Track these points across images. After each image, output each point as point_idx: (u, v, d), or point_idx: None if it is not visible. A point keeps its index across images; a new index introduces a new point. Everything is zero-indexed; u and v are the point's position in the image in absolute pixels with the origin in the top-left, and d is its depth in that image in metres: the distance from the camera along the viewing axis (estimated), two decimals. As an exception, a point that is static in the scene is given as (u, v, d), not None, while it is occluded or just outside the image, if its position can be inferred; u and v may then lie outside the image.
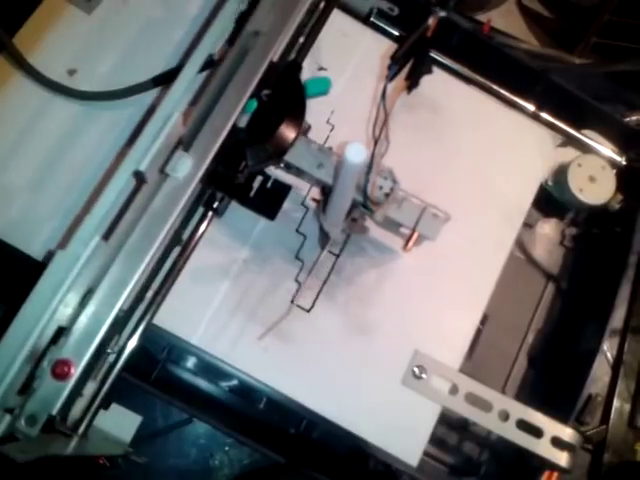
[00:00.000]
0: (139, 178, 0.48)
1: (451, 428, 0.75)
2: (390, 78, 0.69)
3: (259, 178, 0.68)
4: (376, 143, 0.62)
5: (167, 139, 0.49)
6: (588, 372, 0.72)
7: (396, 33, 0.81)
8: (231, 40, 0.66)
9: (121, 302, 0.45)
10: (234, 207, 0.69)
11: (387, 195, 0.61)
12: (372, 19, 0.81)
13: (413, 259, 0.71)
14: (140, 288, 0.60)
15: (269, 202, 0.69)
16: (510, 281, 0.75)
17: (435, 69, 0.78)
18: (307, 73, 0.73)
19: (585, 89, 0.84)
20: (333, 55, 0.77)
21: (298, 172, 0.64)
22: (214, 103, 0.52)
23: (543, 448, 0.66)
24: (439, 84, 0.78)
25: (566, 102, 0.82)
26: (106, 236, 0.47)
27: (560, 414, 0.68)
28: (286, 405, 0.67)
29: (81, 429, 0.53)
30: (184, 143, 0.52)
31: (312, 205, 0.72)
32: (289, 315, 0.67)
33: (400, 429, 0.67)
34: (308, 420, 0.71)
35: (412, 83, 0.74)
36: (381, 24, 0.82)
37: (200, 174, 0.49)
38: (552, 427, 0.67)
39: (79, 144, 0.69)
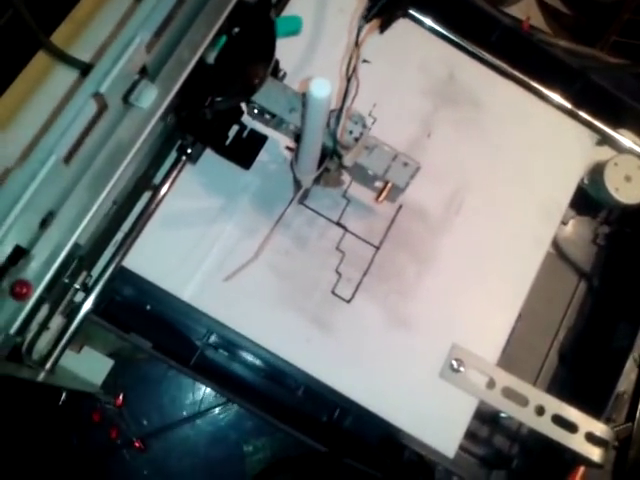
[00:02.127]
0: (100, 102, 0.47)
1: (482, 421, 0.76)
2: (367, 19, 0.68)
3: (235, 128, 0.68)
4: (348, 83, 0.59)
5: (128, 64, 0.48)
6: (619, 371, 0.73)
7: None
8: None
9: (82, 227, 0.45)
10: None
11: (357, 140, 0.60)
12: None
13: (453, 254, 0.72)
14: (108, 226, 0.62)
15: (245, 151, 0.69)
16: (543, 278, 0.75)
17: (476, 64, 0.79)
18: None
19: (620, 88, 0.84)
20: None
21: (275, 122, 0.63)
22: (181, 35, 0.51)
23: (577, 443, 0.67)
24: (481, 79, 0.78)
25: (603, 101, 0.82)
26: (66, 159, 0.46)
27: (589, 410, 0.69)
28: (323, 394, 0.68)
29: (48, 365, 0.53)
30: (149, 74, 0.51)
31: (288, 155, 0.71)
32: (329, 305, 0.68)
33: (437, 421, 0.68)
34: (341, 408, 0.71)
35: (385, 23, 0.73)
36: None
37: (165, 105, 0.49)
38: (587, 423, 0.68)
39: None
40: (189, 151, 0.66)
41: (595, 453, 0.67)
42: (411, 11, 0.80)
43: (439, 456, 0.68)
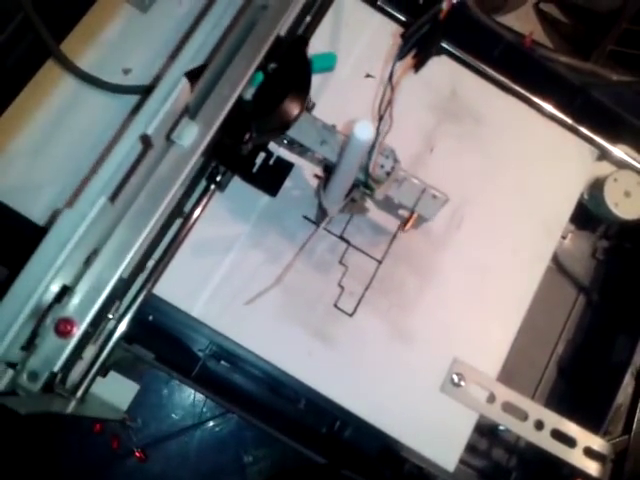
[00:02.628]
0: (146, 142, 0.48)
1: (481, 434, 0.76)
2: (400, 57, 0.69)
3: (262, 156, 0.69)
4: (380, 120, 0.62)
5: (174, 105, 0.49)
6: (618, 384, 0.74)
7: (403, 18, 0.81)
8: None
9: (125, 264, 0.46)
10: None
11: (388, 174, 0.62)
12: (379, 3, 0.81)
13: (454, 268, 0.73)
14: (142, 256, 0.62)
15: (271, 178, 0.70)
16: (542, 291, 0.76)
17: (479, 79, 0.80)
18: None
19: (620, 104, 0.85)
20: (340, 36, 0.78)
21: (301, 150, 0.65)
22: (221, 73, 0.52)
23: (576, 458, 0.68)
24: (483, 94, 0.79)
25: (603, 117, 0.83)
26: (112, 198, 0.47)
27: (587, 424, 0.70)
28: (324, 406, 0.68)
29: (79, 393, 0.54)
30: (190, 111, 0.52)
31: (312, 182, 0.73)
32: (332, 319, 0.69)
33: (438, 435, 0.68)
34: (341, 420, 0.72)
35: (420, 62, 0.74)
36: (389, 9, 0.81)
37: (205, 142, 0.50)
38: (585, 437, 0.68)
39: (81, 113, 0.70)
40: (218, 179, 0.67)
41: (593, 468, 0.68)
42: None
43: (439, 469, 0.69)
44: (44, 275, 0.44)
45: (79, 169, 0.67)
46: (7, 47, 0.68)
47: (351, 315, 0.70)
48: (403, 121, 0.75)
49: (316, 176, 0.72)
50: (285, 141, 0.65)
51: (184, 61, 0.52)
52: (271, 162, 0.70)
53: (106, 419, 0.76)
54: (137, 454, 0.81)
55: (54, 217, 0.47)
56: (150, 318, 0.70)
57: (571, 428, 0.68)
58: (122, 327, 0.62)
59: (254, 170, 0.69)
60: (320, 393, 0.68)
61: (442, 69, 0.79)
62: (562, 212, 0.78)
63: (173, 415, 0.87)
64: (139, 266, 0.62)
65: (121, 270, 0.46)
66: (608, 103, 0.84)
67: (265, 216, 0.71)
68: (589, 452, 0.68)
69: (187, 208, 0.68)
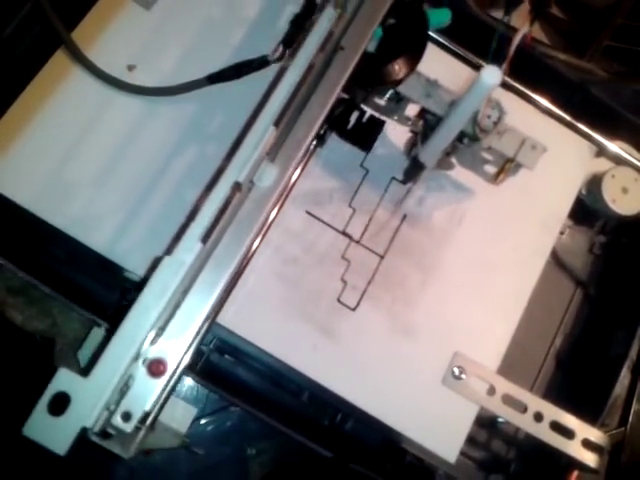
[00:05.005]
0: (236, 188, 0.51)
1: (480, 425, 0.77)
2: None
3: (355, 114, 0.71)
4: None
5: (262, 151, 0.51)
6: (615, 377, 0.76)
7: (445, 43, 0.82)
8: (286, 42, 0.68)
9: (213, 304, 0.47)
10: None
11: (495, 124, 0.64)
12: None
13: (455, 263, 0.74)
14: None
15: (365, 135, 0.73)
16: (540, 286, 0.77)
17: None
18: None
19: (618, 101, 0.86)
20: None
21: (388, 109, 0.70)
22: (298, 114, 0.55)
23: (574, 449, 0.69)
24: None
25: (601, 113, 0.84)
26: (204, 240, 0.49)
27: (585, 416, 0.71)
28: (327, 399, 0.69)
29: (149, 421, 0.54)
30: (270, 153, 0.54)
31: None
32: (335, 313, 0.70)
33: (439, 427, 0.69)
34: (344, 413, 0.73)
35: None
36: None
37: (284, 184, 0.52)
38: (583, 429, 0.70)
39: (140, 140, 0.70)
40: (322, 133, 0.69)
41: (591, 459, 0.69)
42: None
43: (440, 461, 0.70)
44: (145, 323, 0.46)
45: (135, 188, 0.69)
46: (15, 37, 0.69)
47: (354, 309, 0.71)
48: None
49: (412, 132, 0.74)
50: (386, 96, 0.69)
51: (272, 110, 0.54)
52: (364, 120, 0.72)
53: (169, 447, 0.75)
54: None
55: (155, 264, 0.48)
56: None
57: (569, 420, 0.70)
58: (190, 353, 0.63)
59: (348, 127, 0.71)
60: (324, 386, 0.69)
61: (444, 66, 0.79)
62: (560, 208, 0.79)
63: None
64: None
65: (209, 310, 0.47)
66: (606, 100, 0.85)
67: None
68: (587, 443, 0.69)
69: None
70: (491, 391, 0.70)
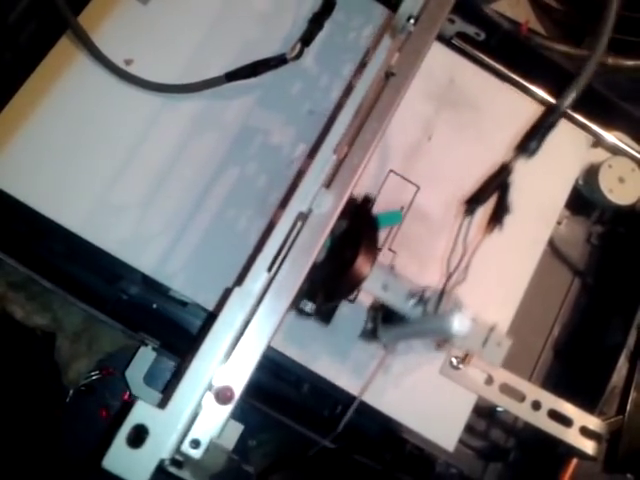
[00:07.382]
0: (300, 218, 0.52)
1: (479, 415, 0.78)
2: (471, 211, 0.72)
3: None
4: (450, 277, 0.67)
5: (323, 180, 0.53)
6: (613, 366, 0.76)
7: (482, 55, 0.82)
8: (305, 40, 0.70)
9: (274, 331, 0.48)
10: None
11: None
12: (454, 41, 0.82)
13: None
14: None
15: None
16: (537, 276, 0.77)
17: (477, 68, 0.81)
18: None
19: (614, 91, 0.87)
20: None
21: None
22: (353, 139, 0.55)
23: (572, 437, 0.69)
24: (480, 83, 0.80)
25: (598, 104, 0.84)
26: (269, 269, 0.49)
27: (583, 405, 0.71)
28: (326, 390, 0.70)
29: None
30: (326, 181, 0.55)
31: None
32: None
33: (438, 416, 0.70)
34: (344, 404, 0.73)
35: (494, 218, 0.74)
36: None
37: (339, 209, 0.53)
38: (581, 417, 0.70)
39: (151, 136, 0.71)
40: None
41: (589, 446, 0.70)
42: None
43: (439, 450, 0.71)
44: (218, 354, 0.46)
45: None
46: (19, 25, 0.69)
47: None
48: (401, 110, 0.77)
49: (372, 308, 0.72)
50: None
51: (334, 139, 0.54)
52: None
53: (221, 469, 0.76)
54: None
55: (225, 295, 0.48)
56: (154, 306, 0.71)
57: (567, 408, 0.70)
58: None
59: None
60: (323, 377, 0.69)
61: (441, 58, 0.80)
62: (558, 198, 0.79)
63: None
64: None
65: (269, 337, 0.48)
66: (603, 90, 0.85)
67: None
68: (585, 431, 0.70)
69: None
70: (489, 381, 0.70)
